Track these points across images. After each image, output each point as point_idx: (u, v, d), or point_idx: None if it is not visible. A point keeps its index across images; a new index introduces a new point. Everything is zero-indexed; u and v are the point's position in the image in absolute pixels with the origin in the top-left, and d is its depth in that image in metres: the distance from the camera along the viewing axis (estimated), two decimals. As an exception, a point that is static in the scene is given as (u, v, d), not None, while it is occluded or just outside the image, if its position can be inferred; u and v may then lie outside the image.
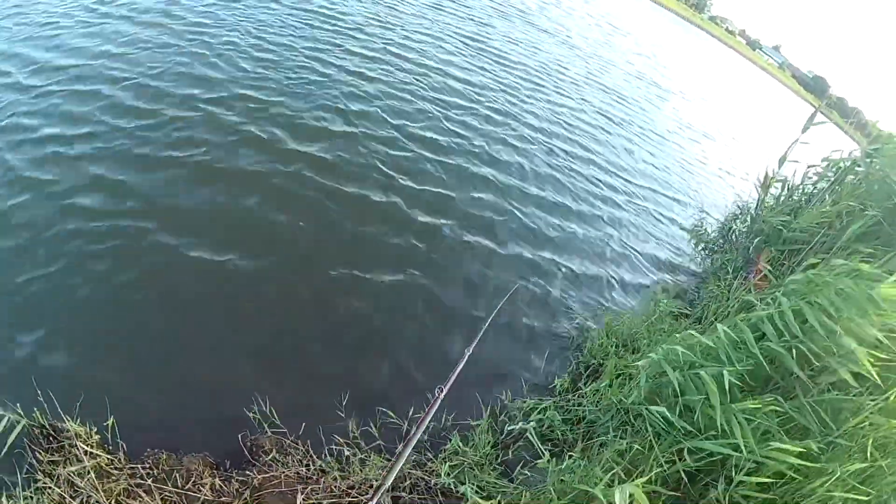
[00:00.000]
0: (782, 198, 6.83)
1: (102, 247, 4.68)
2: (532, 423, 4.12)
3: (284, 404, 3.79)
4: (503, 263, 6.27)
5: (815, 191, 6.49)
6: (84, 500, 3.10)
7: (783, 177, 6.90)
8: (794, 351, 3.48)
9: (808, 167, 6.69)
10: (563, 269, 6.67)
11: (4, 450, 3.15)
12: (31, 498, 3.03)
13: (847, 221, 5.08)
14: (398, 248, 5.82)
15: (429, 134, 8.19)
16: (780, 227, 5.82)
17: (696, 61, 42.79)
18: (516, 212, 7.24)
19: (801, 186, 6.71)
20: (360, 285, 5.22)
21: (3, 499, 3.02)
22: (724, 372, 3.37)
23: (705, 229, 7.90)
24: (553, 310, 6.01)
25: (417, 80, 10.08)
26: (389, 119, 8.16)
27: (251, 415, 3.66)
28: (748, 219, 7.00)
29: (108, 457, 3.36)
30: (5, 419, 3.21)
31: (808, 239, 5.42)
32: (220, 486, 3.33)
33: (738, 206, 7.50)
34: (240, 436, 3.62)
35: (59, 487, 3.11)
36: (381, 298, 5.16)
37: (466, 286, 5.74)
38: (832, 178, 6.25)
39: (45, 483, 3.11)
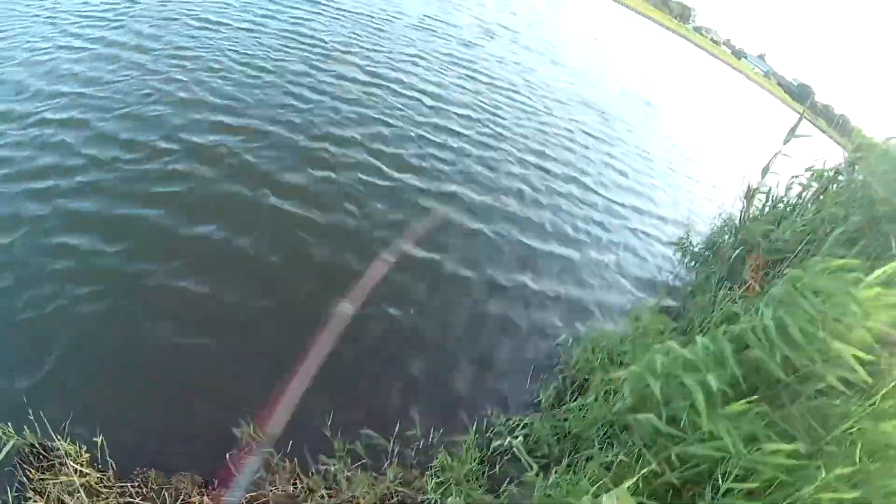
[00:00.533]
0: (766, 208, 7.04)
1: (93, 280, 4.85)
2: (519, 438, 4.25)
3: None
4: (488, 288, 6.47)
5: (799, 200, 6.72)
6: None
7: (767, 187, 7.12)
8: (778, 357, 3.60)
9: (792, 177, 6.91)
10: (549, 290, 6.85)
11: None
12: None
13: (831, 228, 5.26)
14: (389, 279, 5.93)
15: (415, 162, 8.44)
16: (763, 237, 6.01)
17: (684, 74, 43.70)
18: (500, 237, 7.45)
19: (784, 197, 6.94)
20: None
21: None
22: (708, 377, 3.50)
23: (691, 241, 8.11)
24: (537, 329, 6.16)
25: (405, 105, 10.36)
26: (378, 149, 8.39)
27: (238, 433, 3.75)
28: (732, 230, 7.20)
29: (98, 475, 3.45)
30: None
31: (791, 248, 5.61)
32: (210, 505, 3.36)
33: (723, 219, 7.71)
34: (228, 454, 3.68)
35: None
36: (369, 326, 5.27)
37: (452, 311, 5.93)
38: (815, 188, 6.49)
39: (35, 501, 3.22)
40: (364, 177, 7.53)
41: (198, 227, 5.69)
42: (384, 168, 7.93)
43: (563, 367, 5.52)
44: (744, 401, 3.46)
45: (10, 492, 3.25)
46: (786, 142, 6.80)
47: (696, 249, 7.91)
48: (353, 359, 4.86)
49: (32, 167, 6.04)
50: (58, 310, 4.50)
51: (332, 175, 7.33)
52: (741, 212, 7.22)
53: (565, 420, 4.52)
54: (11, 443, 3.34)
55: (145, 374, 4.20)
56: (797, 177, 6.86)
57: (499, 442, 4.30)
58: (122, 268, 5.02)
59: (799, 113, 7.63)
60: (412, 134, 9.29)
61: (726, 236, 7.21)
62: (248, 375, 4.43)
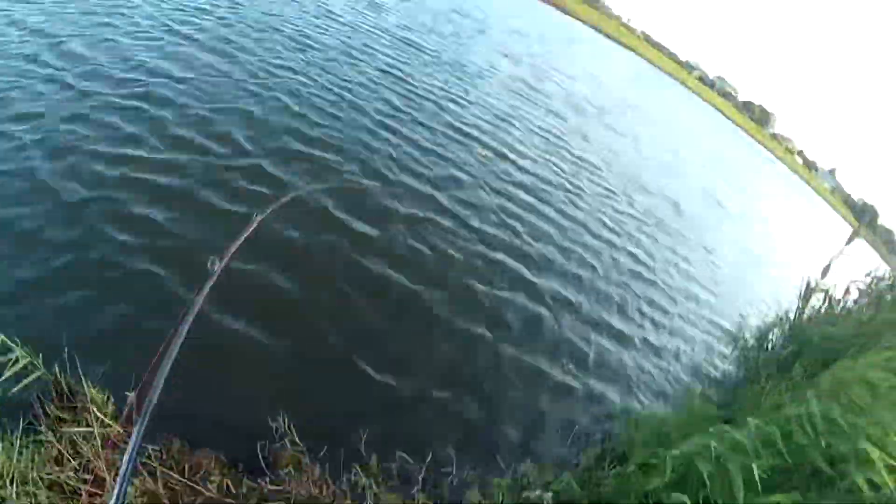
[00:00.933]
0: (822, 309, 7.07)
1: (154, 256, 5.26)
2: (550, 494, 4.33)
3: (310, 424, 4.09)
4: (545, 355, 6.71)
5: (856, 305, 6.75)
6: (83, 464, 3.25)
7: (825, 286, 7.16)
8: (820, 448, 3.64)
9: (851, 282, 6.97)
10: (602, 366, 7.18)
11: (15, 390, 3.26)
12: (28, 448, 3.17)
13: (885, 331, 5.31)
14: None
15: (486, 228, 8.74)
16: (817, 336, 6.04)
17: (757, 181, 43.95)
18: (560, 310, 7.72)
19: (842, 300, 6.97)
20: (410, 338, 5.93)
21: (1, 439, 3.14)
22: (753, 465, 3.55)
23: (743, 336, 8.13)
24: (584, 398, 6.46)
25: (484, 166, 10.99)
26: (454, 197, 8.92)
27: (274, 426, 3.93)
28: (785, 328, 7.21)
29: (120, 430, 3.48)
30: (22, 363, 3.31)
31: (844, 348, 5.63)
32: (229, 486, 3.53)
33: (777, 316, 7.73)
34: (259, 444, 3.86)
35: (61, 444, 3.27)
36: (424, 364, 5.64)
37: (507, 373, 6.16)
38: (872, 294, 6.55)
39: (46, 437, 3.28)
40: (430, 228, 7.89)
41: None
42: (450, 223, 8.30)
43: (606, 438, 5.70)
44: (782, 494, 3.49)
45: (22, 421, 3.29)
46: (849, 242, 6.91)
47: (748, 344, 7.91)
48: (411, 390, 5.21)
49: (120, 134, 6.75)
50: (118, 276, 4.93)
51: (406, 226, 7.62)
52: (797, 310, 7.23)
53: (598, 486, 4.57)
54: (37, 374, 3.42)
55: (194, 351, 4.41)
56: (855, 281, 6.92)
57: (531, 493, 4.36)
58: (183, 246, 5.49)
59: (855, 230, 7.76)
60: (487, 195, 9.79)
61: (777, 331, 7.22)
62: (296, 372, 4.87)
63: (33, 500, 2.96)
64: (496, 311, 6.95)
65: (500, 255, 8.15)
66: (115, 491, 2.23)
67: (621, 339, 7.96)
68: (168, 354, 3.12)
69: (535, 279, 8.04)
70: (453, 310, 6.51)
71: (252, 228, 4.46)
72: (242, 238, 4.22)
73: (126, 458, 2.44)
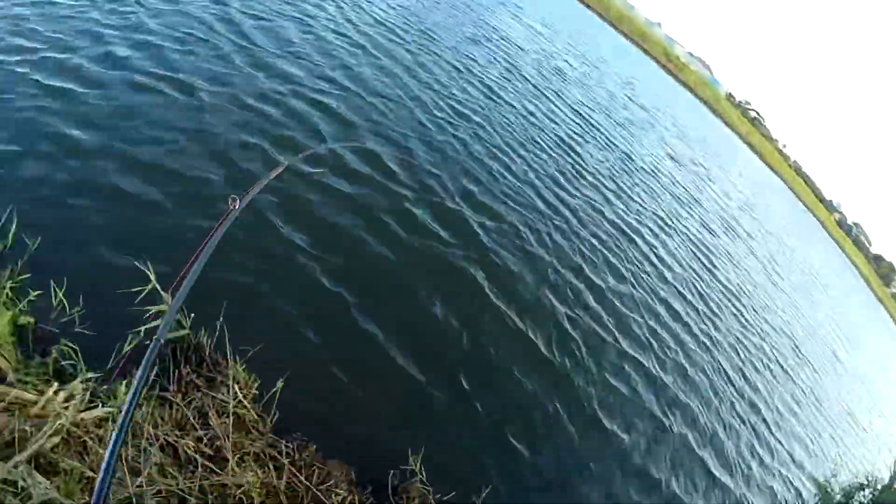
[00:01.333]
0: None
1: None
2: None
3: (442, 467, 4.22)
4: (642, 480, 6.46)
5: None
6: (207, 437, 3.20)
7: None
8: None
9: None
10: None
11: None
12: (148, 402, 3.07)
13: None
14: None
15: (624, 335, 8.39)
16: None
17: (874, 342, 41.53)
18: (659, 438, 7.31)
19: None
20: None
21: (123, 386, 2.99)
22: None
23: (833, 488, 8.02)
24: None
25: (636, 266, 10.86)
26: (609, 301, 8.72)
27: (412, 461, 4.00)
28: (874, 491, 7.13)
29: (256, 415, 3.49)
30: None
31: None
32: (352, 504, 3.58)
33: (867, 478, 7.65)
34: (392, 472, 3.96)
35: (188, 410, 3.23)
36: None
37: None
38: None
39: (174, 397, 3.23)
40: (578, 320, 7.72)
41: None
42: (604, 317, 8.23)
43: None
44: None
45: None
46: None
47: (835, 498, 7.84)
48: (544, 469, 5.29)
49: (300, 130, 6.91)
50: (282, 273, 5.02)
51: (546, 313, 7.37)
52: (890, 478, 7.19)
53: None
54: (182, 333, 3.41)
55: (355, 363, 4.61)
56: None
57: None
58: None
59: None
60: (634, 304, 9.51)
61: (866, 493, 7.16)
62: (447, 414, 4.92)
63: (141, 455, 2.85)
64: (616, 412, 6.81)
65: (627, 366, 7.82)
66: (118, 423, 2.11)
67: (712, 475, 7.53)
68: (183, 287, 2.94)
69: (649, 395, 7.75)
70: (569, 403, 6.31)
71: (277, 173, 4.56)
72: (266, 181, 4.25)
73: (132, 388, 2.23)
